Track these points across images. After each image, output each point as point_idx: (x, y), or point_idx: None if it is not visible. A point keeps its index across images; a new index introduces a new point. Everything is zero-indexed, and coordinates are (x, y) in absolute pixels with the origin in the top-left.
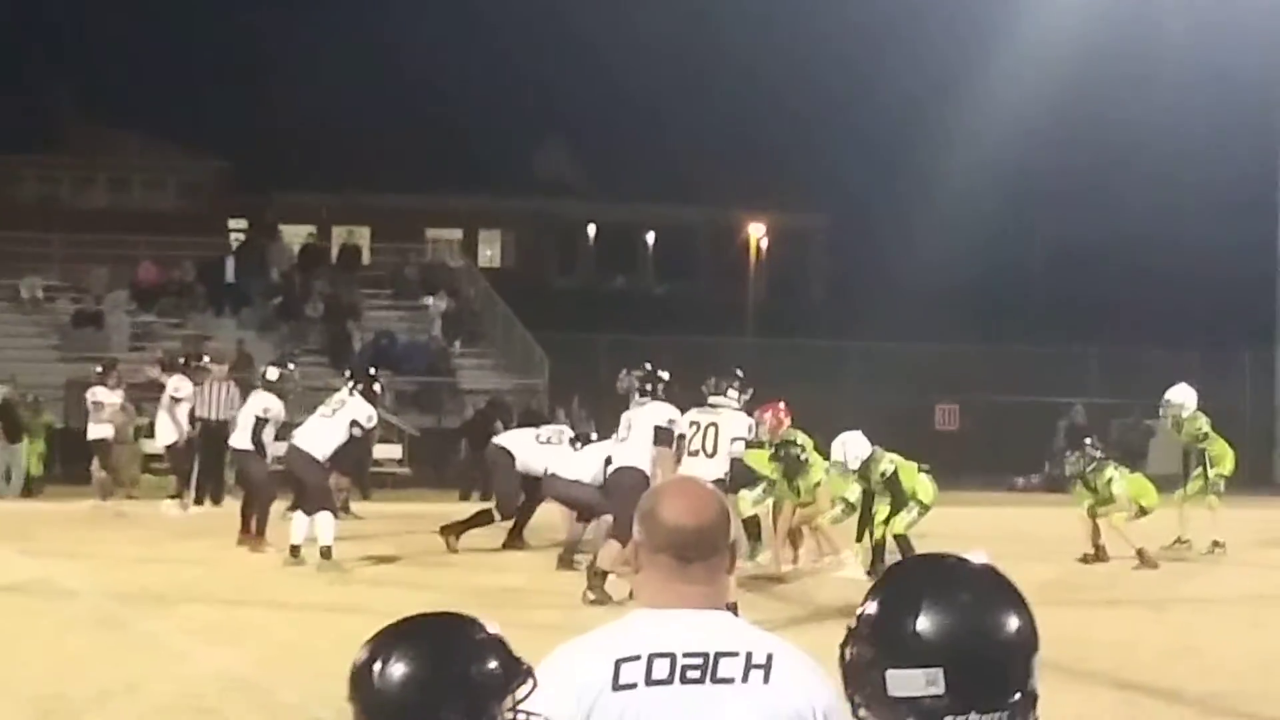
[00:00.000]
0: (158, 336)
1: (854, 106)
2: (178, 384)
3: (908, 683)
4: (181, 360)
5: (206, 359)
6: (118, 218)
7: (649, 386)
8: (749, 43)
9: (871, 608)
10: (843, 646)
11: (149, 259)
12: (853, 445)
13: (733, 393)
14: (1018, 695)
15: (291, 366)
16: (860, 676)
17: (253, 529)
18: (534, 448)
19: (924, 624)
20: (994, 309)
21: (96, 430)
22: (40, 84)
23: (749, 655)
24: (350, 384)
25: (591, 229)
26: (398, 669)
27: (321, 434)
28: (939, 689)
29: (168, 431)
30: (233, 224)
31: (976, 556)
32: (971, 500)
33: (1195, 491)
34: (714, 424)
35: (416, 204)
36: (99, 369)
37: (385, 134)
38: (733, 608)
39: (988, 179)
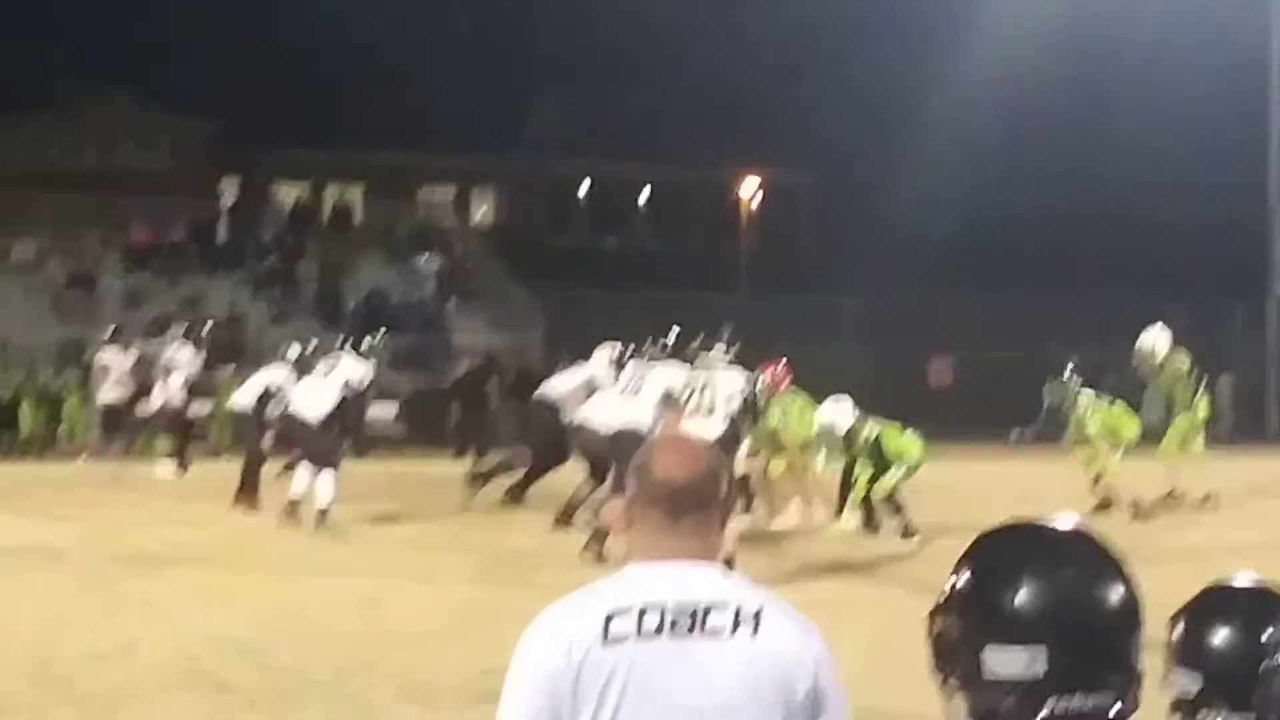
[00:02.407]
0: (151, 298)
1: (844, 62)
2: (177, 351)
3: (1008, 662)
4: (185, 326)
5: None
6: (109, 179)
7: (665, 344)
8: (742, 3)
9: (964, 580)
10: (931, 616)
11: (141, 221)
12: (840, 415)
13: (719, 349)
14: (1125, 672)
15: (314, 342)
16: (952, 655)
17: (250, 490)
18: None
19: (1025, 598)
20: (985, 262)
21: (107, 394)
22: (29, 45)
23: (739, 609)
24: (343, 343)
25: (584, 187)
26: None
27: (315, 397)
28: (1042, 668)
29: (161, 395)
30: (224, 184)
31: (1068, 520)
32: (967, 454)
33: (1181, 440)
34: (707, 385)
35: (408, 162)
36: (109, 331)
37: (376, 92)
38: (730, 561)
39: (976, 132)
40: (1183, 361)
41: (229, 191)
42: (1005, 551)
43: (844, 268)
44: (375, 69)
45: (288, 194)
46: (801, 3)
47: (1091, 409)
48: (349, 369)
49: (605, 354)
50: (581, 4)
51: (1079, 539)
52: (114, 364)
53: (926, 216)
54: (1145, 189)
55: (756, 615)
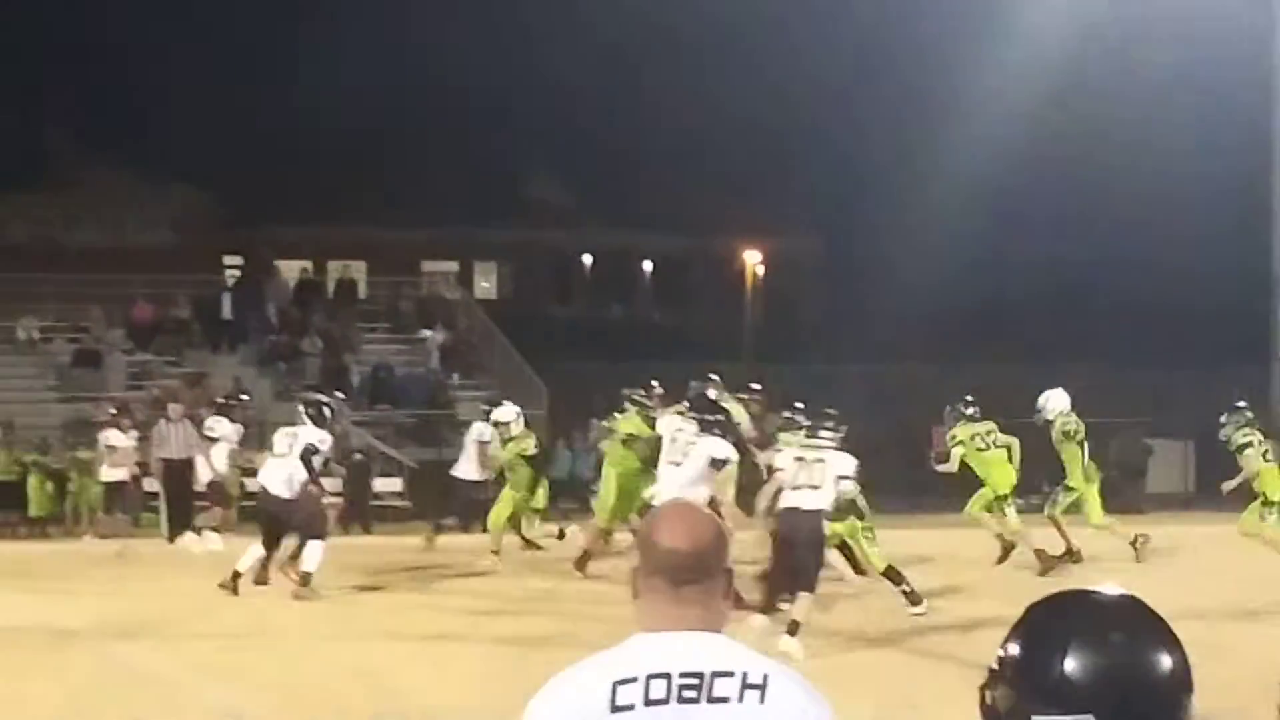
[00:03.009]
0: (155, 374)
1: (845, 133)
2: (213, 424)
3: None
4: (221, 400)
5: (244, 397)
6: (112, 256)
7: (706, 419)
8: (739, 71)
9: (1014, 648)
10: (982, 689)
11: (144, 297)
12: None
13: (828, 432)
14: None
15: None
16: None
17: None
18: None
19: (1072, 665)
20: (988, 331)
21: (111, 473)
22: (31, 122)
23: (745, 675)
24: (302, 411)
25: (587, 258)
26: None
27: (281, 472)
28: None
29: (206, 468)
30: (228, 260)
31: (1113, 589)
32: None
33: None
34: (820, 460)
35: (411, 237)
36: (112, 411)
37: (378, 168)
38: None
39: (978, 201)
40: (1068, 423)
41: (232, 267)
42: (1053, 620)
43: (848, 335)
44: (378, 144)
45: (291, 269)
46: (800, 76)
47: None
48: (307, 435)
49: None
50: (582, 76)
51: (1127, 606)
52: (118, 441)
53: (931, 283)
54: (1144, 259)
55: (763, 681)
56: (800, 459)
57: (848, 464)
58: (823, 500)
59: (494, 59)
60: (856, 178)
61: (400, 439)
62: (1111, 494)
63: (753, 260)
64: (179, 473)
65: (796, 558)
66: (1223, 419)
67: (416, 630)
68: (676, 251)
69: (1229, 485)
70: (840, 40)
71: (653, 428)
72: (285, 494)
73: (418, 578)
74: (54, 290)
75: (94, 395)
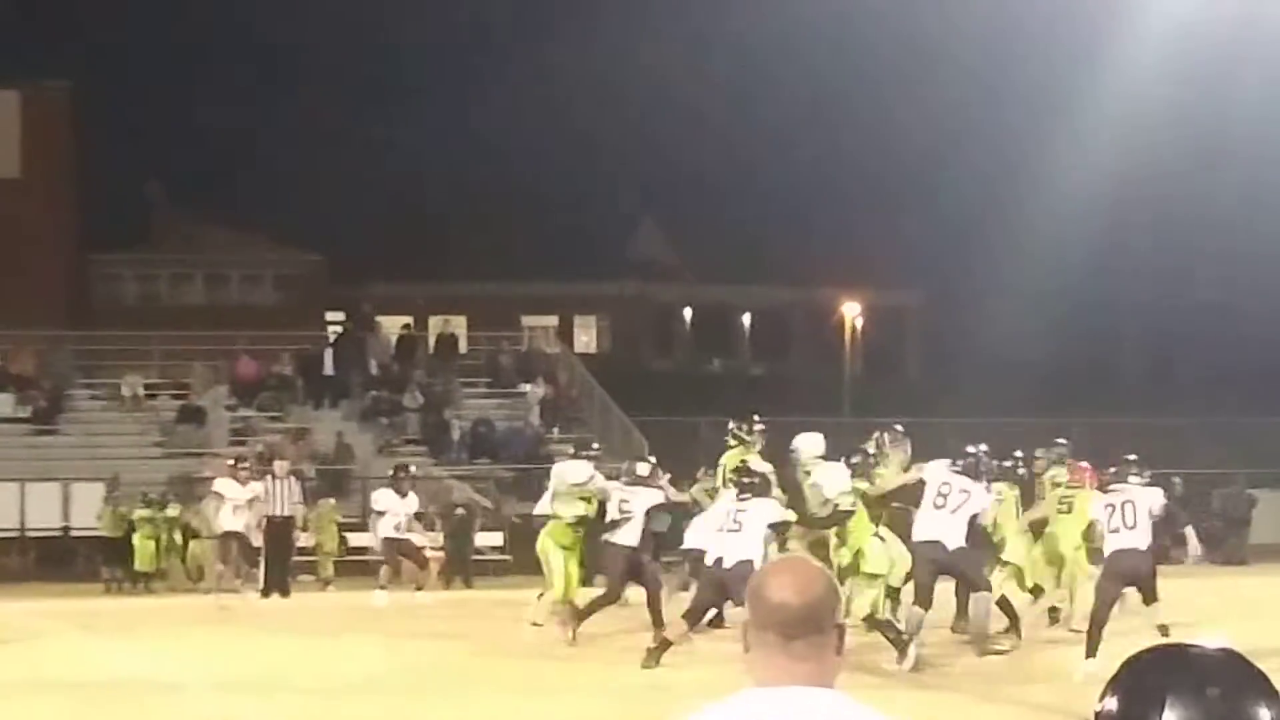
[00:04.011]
0: (258, 431)
1: (944, 183)
2: (254, 487)
3: None
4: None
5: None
6: (215, 313)
7: (753, 483)
8: (841, 122)
9: (1111, 704)
10: None
11: (247, 354)
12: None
13: (1135, 476)
14: None
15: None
16: None
17: None
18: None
19: None
20: (1088, 381)
21: (231, 523)
22: (134, 182)
23: None
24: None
25: (687, 312)
26: None
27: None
28: None
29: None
30: (329, 316)
31: (1216, 641)
32: None
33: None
34: (1130, 501)
35: (511, 292)
36: (230, 462)
37: (478, 223)
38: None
39: (1077, 250)
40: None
41: (334, 324)
42: (1151, 674)
43: (948, 388)
44: (477, 199)
45: (392, 325)
46: (899, 124)
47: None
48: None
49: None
50: (680, 131)
51: (1226, 659)
52: (231, 492)
53: (1030, 334)
54: (1245, 304)
55: None
56: (1110, 505)
57: (1158, 499)
58: (1138, 539)
59: (593, 114)
60: (957, 230)
61: (501, 493)
62: (1215, 545)
63: (852, 313)
64: (281, 530)
65: None
66: None
67: (524, 682)
68: (775, 304)
69: None
70: (941, 94)
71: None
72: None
73: (514, 630)
74: (158, 348)
75: (198, 451)
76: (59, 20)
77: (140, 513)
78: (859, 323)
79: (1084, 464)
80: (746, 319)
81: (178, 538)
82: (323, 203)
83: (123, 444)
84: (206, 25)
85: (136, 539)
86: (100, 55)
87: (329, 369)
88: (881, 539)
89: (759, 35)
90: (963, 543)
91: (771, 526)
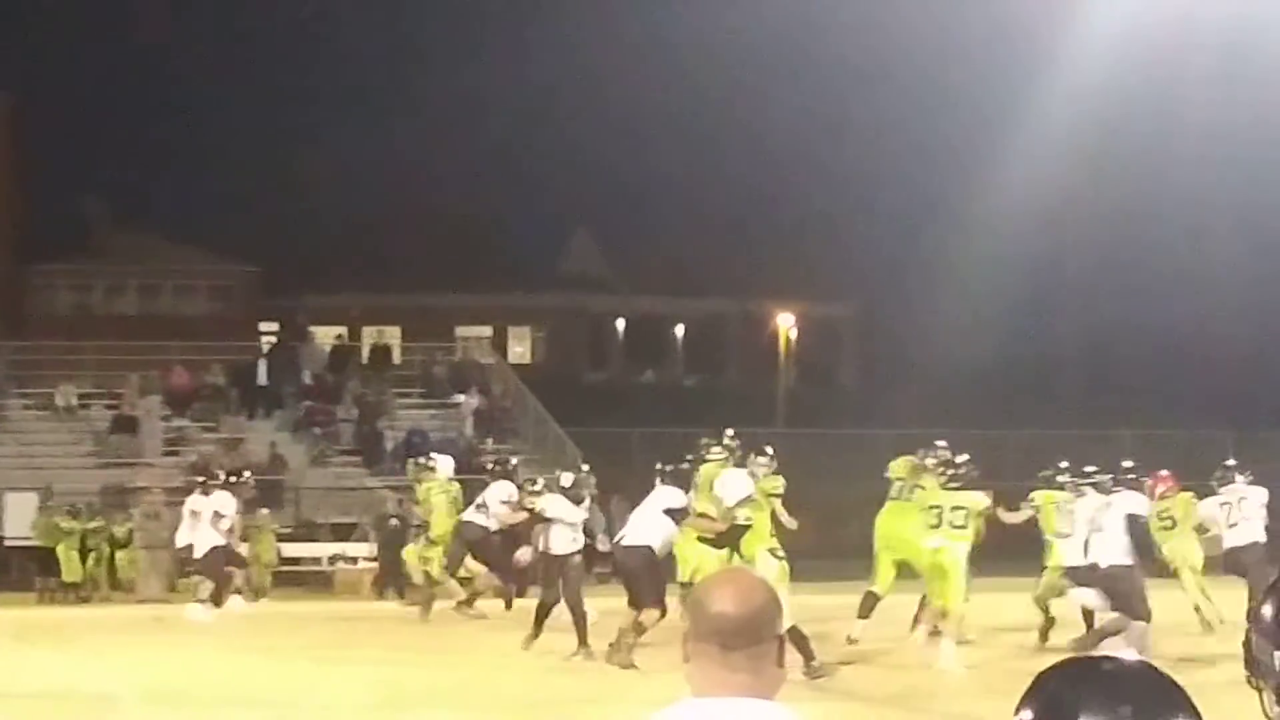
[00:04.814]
0: (191, 441)
1: (880, 194)
2: (222, 502)
3: None
4: (224, 476)
5: (248, 475)
6: (149, 323)
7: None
8: (774, 133)
9: (1026, 715)
10: None
11: (181, 364)
12: None
13: (1240, 477)
14: None
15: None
16: None
17: None
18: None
19: None
20: (1024, 393)
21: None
22: (70, 192)
23: None
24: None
25: (620, 323)
26: None
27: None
28: None
29: (207, 539)
30: (263, 327)
31: (1129, 654)
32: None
33: None
34: (1244, 498)
35: (445, 302)
36: (200, 479)
37: (412, 234)
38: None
39: (1014, 262)
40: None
41: (268, 334)
42: (1064, 688)
43: (882, 399)
44: (411, 210)
45: (326, 335)
46: (835, 136)
47: None
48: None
49: None
50: (612, 142)
51: (1140, 672)
52: (227, 509)
53: (966, 345)
54: (1181, 317)
55: None
56: (1226, 502)
57: (1263, 495)
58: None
59: (526, 127)
60: (891, 242)
61: None
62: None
63: (786, 324)
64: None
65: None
66: None
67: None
68: (709, 315)
69: None
70: (877, 106)
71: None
72: None
73: (431, 642)
74: (92, 358)
75: (132, 460)
76: None
77: (65, 524)
78: (793, 334)
79: (1164, 472)
80: (680, 330)
81: (105, 549)
82: (257, 214)
83: (56, 453)
84: (144, 38)
85: (60, 549)
86: (38, 67)
87: (262, 379)
88: (773, 553)
89: (692, 45)
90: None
91: (669, 512)
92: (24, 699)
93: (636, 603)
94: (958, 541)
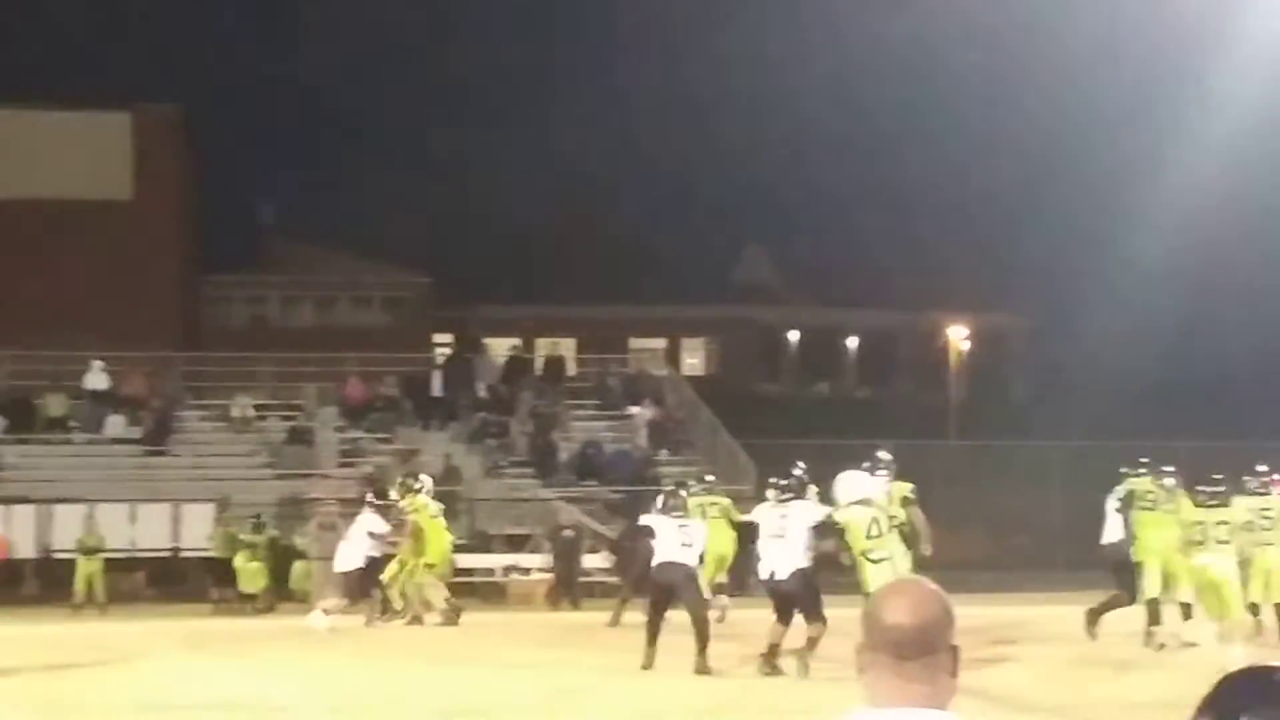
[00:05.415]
0: (366, 452)
1: (1053, 210)
2: (374, 522)
3: None
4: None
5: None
6: (325, 335)
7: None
8: (948, 148)
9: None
10: None
11: (356, 375)
12: None
13: None
14: None
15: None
16: None
17: None
18: None
19: None
20: (1200, 403)
21: (373, 550)
22: (244, 204)
23: None
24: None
25: (793, 335)
26: None
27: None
28: None
29: (353, 558)
30: (437, 338)
31: None
32: None
33: None
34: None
35: (619, 314)
36: (369, 495)
37: (585, 246)
38: None
39: (1184, 269)
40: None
41: (442, 346)
42: (1233, 694)
43: (1054, 411)
44: (584, 223)
45: (500, 347)
46: (1008, 150)
47: None
48: (368, 523)
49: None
50: (787, 156)
51: None
52: (378, 529)
53: (1138, 357)
54: None
55: None
56: None
57: None
58: None
59: (702, 141)
60: (1063, 252)
61: (609, 515)
62: None
63: (957, 336)
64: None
65: None
66: None
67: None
68: (881, 327)
69: None
70: (1049, 116)
71: None
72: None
73: (629, 650)
74: (267, 369)
75: (307, 472)
76: (170, 42)
77: (244, 535)
78: (964, 346)
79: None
80: (852, 342)
81: (281, 560)
82: (432, 226)
83: (232, 465)
84: (317, 50)
85: (238, 560)
86: (211, 77)
87: (437, 390)
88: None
89: (862, 60)
90: None
91: (813, 529)
92: (198, 709)
93: (786, 619)
94: (1225, 556)
